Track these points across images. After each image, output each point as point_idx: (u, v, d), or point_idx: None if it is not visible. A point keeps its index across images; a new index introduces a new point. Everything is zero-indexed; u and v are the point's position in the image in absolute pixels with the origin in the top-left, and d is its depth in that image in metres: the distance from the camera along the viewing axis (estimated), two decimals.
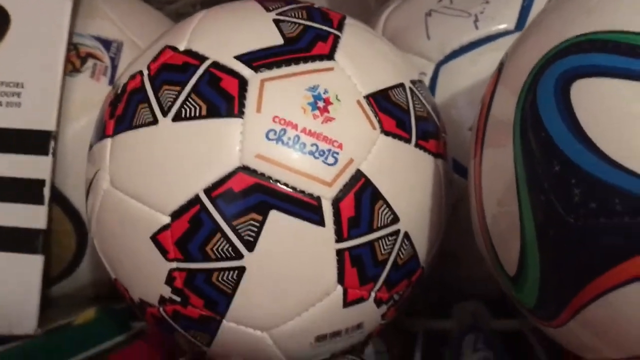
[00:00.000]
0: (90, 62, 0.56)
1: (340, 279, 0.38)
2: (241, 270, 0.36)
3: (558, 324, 0.33)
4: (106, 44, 0.57)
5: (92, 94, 0.54)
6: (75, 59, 0.56)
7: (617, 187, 0.27)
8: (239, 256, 0.36)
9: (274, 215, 0.36)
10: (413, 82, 0.43)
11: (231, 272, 0.36)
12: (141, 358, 0.53)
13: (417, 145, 0.40)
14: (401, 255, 0.40)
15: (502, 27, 0.53)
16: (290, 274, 0.37)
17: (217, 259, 0.36)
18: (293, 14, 0.41)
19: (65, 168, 0.53)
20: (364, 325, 0.42)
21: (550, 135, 0.30)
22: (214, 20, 0.41)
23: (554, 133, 0.30)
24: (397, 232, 0.39)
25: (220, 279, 0.37)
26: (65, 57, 0.53)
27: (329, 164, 0.36)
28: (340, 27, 0.42)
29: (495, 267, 0.36)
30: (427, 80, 0.57)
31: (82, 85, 0.55)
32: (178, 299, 0.38)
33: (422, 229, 0.41)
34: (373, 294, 0.40)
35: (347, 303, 0.39)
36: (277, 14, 0.41)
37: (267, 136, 0.36)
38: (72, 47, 0.55)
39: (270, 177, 0.36)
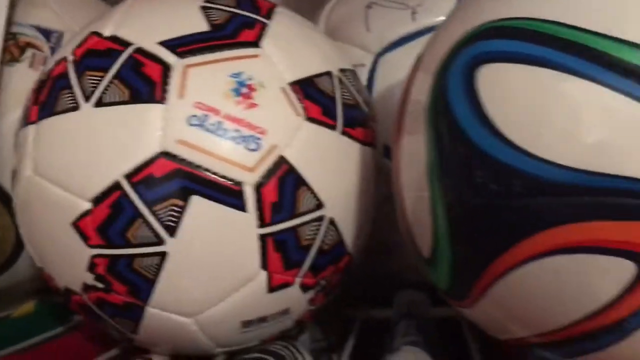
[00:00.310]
0: (29, 52, 0.55)
1: (264, 264, 0.38)
2: (163, 255, 0.36)
3: (470, 303, 0.34)
4: (46, 33, 0.57)
5: (30, 84, 0.53)
6: (14, 49, 0.55)
7: (516, 168, 0.28)
8: (161, 242, 0.36)
9: (196, 201, 0.36)
10: (342, 70, 0.43)
11: (153, 258, 0.37)
12: (75, 348, 0.52)
13: (343, 132, 0.41)
14: (326, 241, 0.40)
15: (439, 19, 0.54)
16: (213, 259, 0.37)
17: (139, 245, 0.36)
18: (222, 1, 0.41)
19: (3, 160, 0.52)
20: (290, 311, 0.42)
21: (456, 119, 0.31)
22: (142, 6, 0.41)
23: (460, 116, 0.30)
24: (321, 218, 0.39)
25: (142, 264, 0.37)
26: (3, 47, 0.52)
27: (251, 150, 0.37)
28: (269, 15, 0.42)
29: (414, 251, 0.37)
30: (366, 72, 0.58)
31: (21, 75, 0.54)
32: (101, 285, 0.38)
33: (348, 215, 0.41)
34: (299, 280, 0.40)
35: (271, 288, 0.39)
36: (205, 1, 0.41)
37: (189, 122, 0.36)
38: (11, 36, 0.54)
39: (191, 163, 0.36)
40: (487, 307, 0.33)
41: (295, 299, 0.41)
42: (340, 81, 0.42)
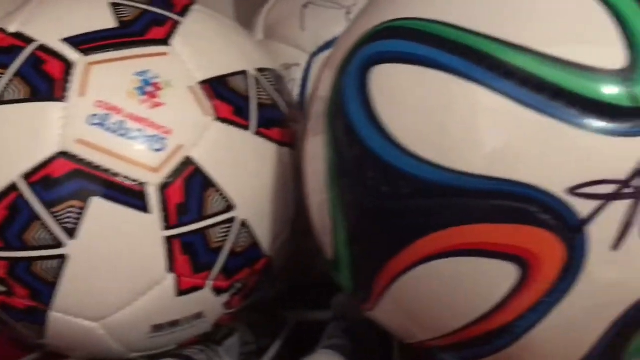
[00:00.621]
0: None
1: (171, 267, 0.37)
2: (63, 258, 0.35)
3: (372, 306, 0.33)
4: None
5: None
6: None
7: (404, 171, 0.28)
8: (60, 244, 0.35)
9: (96, 202, 0.35)
10: (261, 70, 0.42)
11: (52, 261, 0.36)
12: None
13: (257, 132, 0.40)
14: (239, 243, 0.39)
15: None
16: (117, 262, 0.36)
17: (37, 247, 0.35)
18: None
19: None
20: (204, 315, 0.41)
21: (350, 120, 0.30)
22: (51, 3, 0.40)
23: (353, 117, 0.30)
24: (231, 220, 0.38)
25: (41, 267, 0.36)
26: None
27: (155, 150, 0.36)
28: (183, 13, 0.41)
29: (321, 253, 0.36)
30: (300, 71, 0.57)
31: None
32: (3, 289, 0.37)
33: (263, 217, 0.41)
34: (210, 283, 0.39)
35: (180, 292, 0.38)
36: None
37: (89, 121, 0.35)
38: None
39: (91, 163, 0.35)
40: (386, 309, 0.33)
41: (207, 302, 0.40)
42: (257, 81, 0.41)
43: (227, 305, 0.42)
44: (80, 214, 0.35)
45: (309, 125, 0.35)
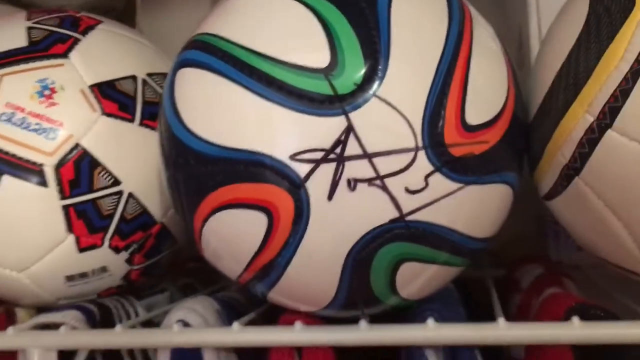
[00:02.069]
0: None
1: (70, 229, 0.49)
2: None
3: (202, 252, 0.44)
4: None
5: None
6: None
7: (190, 146, 0.38)
8: None
9: (7, 179, 0.47)
10: (150, 74, 0.54)
11: None
12: None
13: (141, 124, 0.51)
14: (128, 211, 0.51)
15: None
16: (27, 224, 0.48)
17: None
18: (47, 22, 0.52)
19: None
20: (109, 269, 0.53)
21: (164, 111, 0.41)
22: None
23: (166, 108, 0.41)
24: (119, 193, 0.50)
25: None
26: None
27: (50, 139, 0.47)
28: (85, 32, 0.53)
29: None
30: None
31: None
32: None
33: (150, 191, 0.52)
34: (107, 242, 0.51)
35: (81, 249, 0.50)
36: (34, 23, 0.52)
37: (0, 118, 0.47)
38: None
39: (1, 150, 0.47)
40: (208, 253, 0.43)
41: (108, 258, 0.52)
42: (145, 83, 0.52)
43: (130, 261, 0.53)
44: None
45: (158, 119, 0.46)
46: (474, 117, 0.37)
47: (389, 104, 0.35)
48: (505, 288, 0.59)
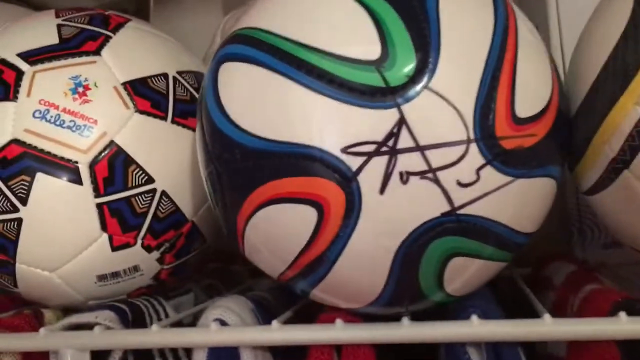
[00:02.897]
0: None
1: (104, 227, 0.48)
2: (19, 220, 0.47)
3: (242, 250, 0.43)
4: None
5: None
6: None
7: (236, 141, 0.38)
8: (16, 209, 0.47)
9: (40, 177, 0.46)
10: (180, 72, 0.53)
11: (12, 223, 0.47)
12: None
13: (173, 121, 0.51)
14: (161, 209, 0.50)
15: None
16: (61, 223, 0.48)
17: (0, 212, 0.47)
18: (77, 20, 0.52)
19: None
20: (141, 268, 0.52)
21: (207, 105, 0.41)
22: (12, 25, 0.52)
23: (209, 103, 0.40)
24: (153, 191, 0.49)
25: (4, 228, 0.47)
26: None
27: (84, 136, 0.47)
28: (115, 29, 0.52)
29: None
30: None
31: None
32: None
33: (182, 189, 0.52)
34: (139, 241, 0.50)
35: (114, 247, 0.49)
36: (63, 20, 0.52)
37: (33, 115, 0.47)
38: None
39: (36, 147, 0.46)
40: (249, 251, 0.43)
41: (141, 257, 0.51)
42: (176, 81, 0.52)
43: (161, 260, 0.53)
44: (29, 186, 0.46)
45: (197, 115, 0.46)
46: (523, 109, 0.37)
47: (441, 96, 0.35)
48: (534, 285, 0.58)
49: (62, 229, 0.48)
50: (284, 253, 0.39)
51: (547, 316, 0.41)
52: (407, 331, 0.43)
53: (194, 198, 0.53)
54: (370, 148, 0.35)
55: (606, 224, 0.43)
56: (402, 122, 0.34)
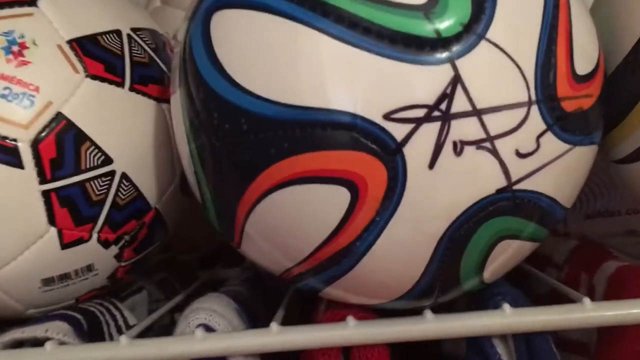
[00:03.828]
0: None
1: (51, 220, 0.39)
2: None
3: (238, 242, 0.36)
4: None
5: None
6: None
7: (243, 107, 0.30)
8: None
9: None
10: (135, 29, 0.44)
11: None
12: None
13: (131, 89, 0.41)
14: (121, 196, 0.41)
15: None
16: None
17: None
18: None
19: None
20: (95, 267, 0.43)
21: (197, 65, 0.32)
22: None
23: (199, 62, 0.32)
24: (112, 173, 0.40)
25: None
26: None
27: (24, 107, 0.37)
28: None
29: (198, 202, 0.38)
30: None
31: None
32: None
33: (145, 171, 0.43)
34: (95, 235, 0.41)
35: (64, 244, 0.40)
36: None
37: None
38: None
39: None
40: (250, 243, 0.35)
41: (96, 254, 0.42)
42: (131, 39, 0.43)
43: (119, 257, 0.44)
44: None
45: (171, 81, 0.37)
46: (581, 66, 0.32)
47: (500, 48, 0.28)
48: (529, 264, 0.54)
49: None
50: (299, 245, 0.32)
51: (587, 300, 0.36)
52: (432, 326, 0.37)
53: (158, 181, 0.44)
54: (420, 113, 0.28)
55: (634, 195, 0.39)
56: (456, 80, 0.28)
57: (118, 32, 0.42)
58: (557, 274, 0.50)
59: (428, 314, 0.37)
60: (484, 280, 0.35)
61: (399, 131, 0.28)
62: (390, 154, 0.29)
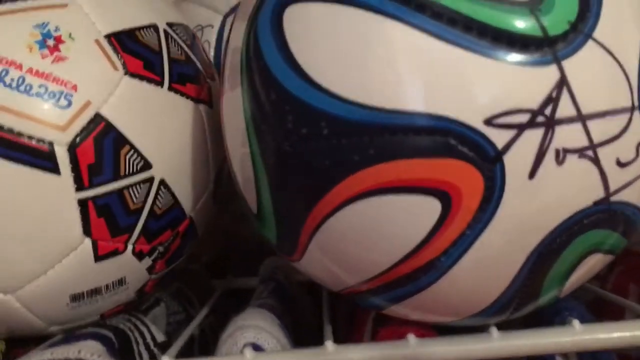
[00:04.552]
0: None
1: (87, 231, 0.35)
2: None
3: (299, 256, 0.33)
4: None
5: None
6: None
7: (323, 110, 0.27)
8: None
9: (0, 165, 0.32)
10: (170, 24, 0.41)
11: None
12: None
13: (170, 88, 0.38)
14: (158, 204, 0.38)
15: None
16: (28, 227, 0.34)
17: None
18: None
19: None
20: (127, 281, 0.39)
21: (267, 64, 0.29)
22: None
23: (270, 61, 0.29)
24: (150, 180, 0.37)
25: None
26: None
27: (61, 107, 0.34)
28: None
29: (248, 210, 0.35)
30: (215, 32, 0.56)
31: None
32: None
33: (182, 176, 0.39)
34: (130, 246, 0.38)
35: (99, 257, 0.36)
36: None
37: None
38: None
39: None
40: (314, 257, 0.32)
41: (130, 267, 0.39)
42: (168, 35, 0.40)
43: (151, 270, 0.41)
44: None
45: (225, 80, 0.34)
46: None
47: (606, 49, 0.26)
48: None
49: (29, 235, 0.35)
50: (375, 262, 0.30)
51: None
52: (499, 345, 0.35)
53: (194, 188, 0.41)
54: (524, 118, 0.26)
55: None
56: (562, 83, 0.26)
57: (155, 27, 0.39)
58: (600, 284, 0.48)
59: (494, 331, 0.35)
60: (560, 294, 0.33)
61: (500, 138, 0.26)
62: (490, 162, 0.26)
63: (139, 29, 0.38)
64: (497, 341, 0.35)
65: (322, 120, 0.27)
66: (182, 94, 0.39)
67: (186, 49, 0.41)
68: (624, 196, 0.29)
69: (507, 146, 0.26)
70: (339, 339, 0.36)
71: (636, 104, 0.27)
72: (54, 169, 0.33)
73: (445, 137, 0.26)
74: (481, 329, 0.35)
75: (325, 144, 0.28)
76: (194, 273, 0.67)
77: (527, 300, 0.32)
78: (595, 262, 0.33)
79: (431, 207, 0.27)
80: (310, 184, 0.29)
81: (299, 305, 0.53)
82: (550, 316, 0.37)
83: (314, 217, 0.30)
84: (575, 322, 0.35)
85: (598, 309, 0.41)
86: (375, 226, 0.28)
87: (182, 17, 0.44)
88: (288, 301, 0.50)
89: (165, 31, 0.40)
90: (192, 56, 0.41)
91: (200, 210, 0.42)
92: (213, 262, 0.70)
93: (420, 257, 0.29)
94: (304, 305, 0.55)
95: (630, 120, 0.27)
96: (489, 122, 0.26)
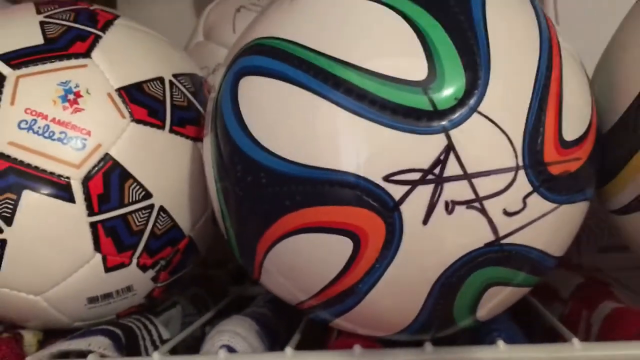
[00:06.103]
0: None
1: (97, 248, 0.44)
2: (3, 242, 0.42)
3: (257, 275, 0.40)
4: None
5: None
6: None
7: (262, 164, 0.35)
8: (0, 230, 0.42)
9: (27, 194, 0.42)
10: (176, 75, 0.49)
11: None
12: None
13: (171, 131, 0.46)
14: (158, 226, 0.46)
15: None
16: (49, 244, 0.43)
17: None
18: (61, 16, 0.47)
19: None
20: (134, 288, 0.48)
21: (225, 122, 0.37)
22: None
23: (227, 120, 0.37)
24: (151, 206, 0.45)
25: None
26: None
27: (77, 149, 0.42)
28: (105, 28, 0.47)
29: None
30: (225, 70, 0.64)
31: None
32: None
33: (181, 202, 0.48)
34: (135, 260, 0.46)
35: (108, 268, 0.45)
36: (45, 17, 0.46)
37: (19, 126, 0.42)
38: None
39: (22, 161, 0.41)
40: (268, 277, 0.40)
41: (135, 277, 0.47)
42: (172, 85, 0.48)
43: (156, 279, 0.49)
44: (14, 204, 0.41)
45: (206, 123, 0.42)
46: (569, 132, 0.35)
47: (490, 120, 0.32)
48: (537, 295, 0.57)
49: (51, 251, 0.43)
50: (309, 284, 0.37)
51: (575, 341, 0.40)
52: (430, 358, 0.41)
53: (192, 212, 0.49)
54: (415, 176, 0.32)
55: (633, 246, 0.42)
56: (449, 148, 0.32)
57: (161, 79, 0.47)
58: (562, 309, 0.53)
59: (428, 346, 0.40)
60: (477, 319, 0.39)
61: (396, 191, 0.32)
62: (389, 210, 0.33)
63: (146, 82, 0.46)
64: (430, 355, 0.41)
65: (262, 171, 0.35)
66: (182, 135, 0.47)
67: (189, 95, 0.49)
68: (517, 239, 0.34)
69: (403, 198, 0.32)
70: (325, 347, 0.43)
71: (520, 164, 0.33)
72: (70, 198, 0.42)
73: (354, 189, 0.33)
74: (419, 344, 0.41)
75: (264, 191, 0.35)
76: (212, 279, 0.75)
77: (445, 323, 0.38)
78: (508, 293, 0.38)
79: (345, 245, 0.34)
80: (255, 221, 0.36)
81: (295, 314, 0.60)
82: (483, 336, 0.42)
83: (262, 245, 0.37)
84: (500, 342, 0.41)
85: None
86: (304, 257, 0.35)
87: (190, 65, 0.52)
88: (285, 310, 0.57)
89: (170, 82, 0.48)
90: (194, 101, 0.49)
91: (199, 230, 0.50)
92: (237, 270, 0.78)
93: (342, 283, 0.35)
94: (287, 314, 0.61)
95: (514, 177, 0.33)
96: (387, 178, 0.32)
